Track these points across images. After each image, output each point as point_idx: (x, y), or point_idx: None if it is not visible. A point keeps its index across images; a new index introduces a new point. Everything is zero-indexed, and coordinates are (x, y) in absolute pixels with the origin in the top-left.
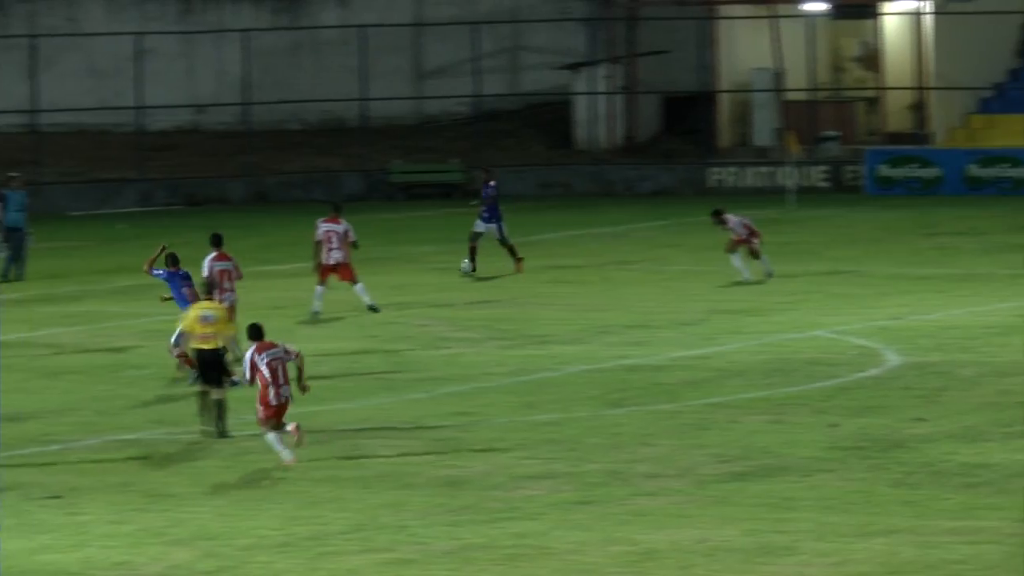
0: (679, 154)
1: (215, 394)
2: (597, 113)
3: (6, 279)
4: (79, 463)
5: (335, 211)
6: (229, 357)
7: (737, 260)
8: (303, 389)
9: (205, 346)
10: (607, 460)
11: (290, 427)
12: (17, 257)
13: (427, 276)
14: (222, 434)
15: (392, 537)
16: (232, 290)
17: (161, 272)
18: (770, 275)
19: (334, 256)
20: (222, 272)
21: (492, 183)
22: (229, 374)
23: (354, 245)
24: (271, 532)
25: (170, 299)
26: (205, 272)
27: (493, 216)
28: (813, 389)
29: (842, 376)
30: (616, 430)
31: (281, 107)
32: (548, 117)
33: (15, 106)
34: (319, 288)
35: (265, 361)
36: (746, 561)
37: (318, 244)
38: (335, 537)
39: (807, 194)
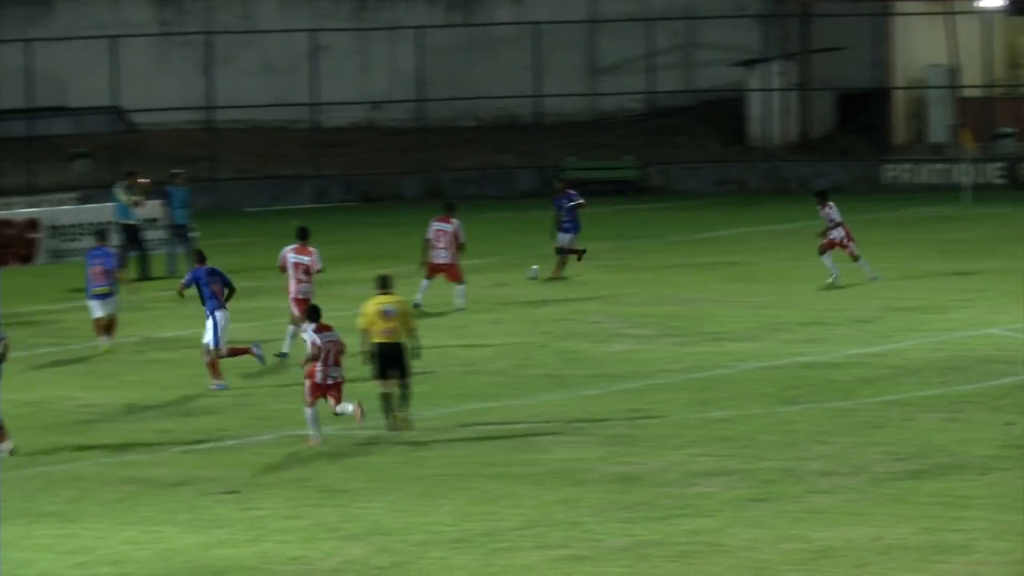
0: (854, 151)
1: (396, 388)
2: (771, 110)
3: (174, 275)
4: (254, 458)
5: (447, 210)
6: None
7: (828, 259)
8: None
9: (387, 340)
10: (781, 457)
11: (352, 407)
12: (180, 253)
13: (600, 272)
14: (406, 427)
15: (566, 533)
16: (308, 282)
17: (187, 278)
18: (874, 279)
19: (440, 256)
20: (297, 264)
21: (573, 192)
22: (407, 370)
23: (461, 247)
24: (445, 528)
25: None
26: (280, 261)
27: (573, 226)
28: (989, 387)
29: (1018, 374)
30: (791, 427)
31: (455, 104)
32: (722, 114)
33: (191, 102)
34: (424, 282)
35: (323, 344)
36: (921, 560)
37: (427, 242)
38: (509, 533)
39: (982, 191)
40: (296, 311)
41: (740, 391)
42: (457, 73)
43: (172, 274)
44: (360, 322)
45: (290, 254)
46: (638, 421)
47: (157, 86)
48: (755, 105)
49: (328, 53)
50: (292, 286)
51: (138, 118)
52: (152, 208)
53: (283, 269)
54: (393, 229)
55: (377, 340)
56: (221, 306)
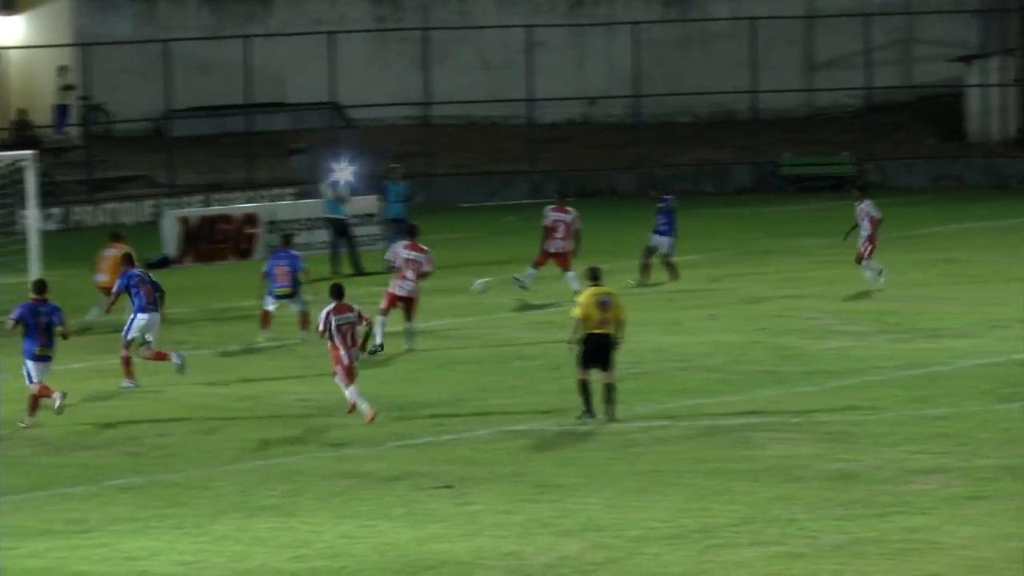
0: None
1: (605, 379)
2: (990, 105)
3: (390, 270)
4: (469, 453)
5: (562, 199)
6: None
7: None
8: (362, 350)
9: (600, 331)
10: (999, 455)
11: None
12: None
13: (815, 269)
14: (611, 419)
15: (781, 530)
16: (414, 280)
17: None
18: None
19: (557, 245)
20: (407, 261)
21: (668, 197)
22: (611, 363)
23: (576, 236)
24: (659, 524)
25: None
26: (390, 256)
27: (670, 229)
28: None
29: None
30: (1008, 425)
31: (671, 99)
32: (940, 110)
33: (408, 98)
34: (531, 270)
35: (335, 324)
36: None
37: (546, 230)
38: (724, 530)
39: None
40: (385, 303)
41: (957, 388)
42: (673, 69)
43: (388, 269)
44: (576, 311)
45: (403, 250)
46: (854, 418)
47: (374, 82)
48: (974, 101)
49: (544, 49)
50: (397, 281)
51: (355, 114)
52: (368, 203)
53: (393, 265)
54: (609, 225)
55: (591, 330)
56: (149, 307)
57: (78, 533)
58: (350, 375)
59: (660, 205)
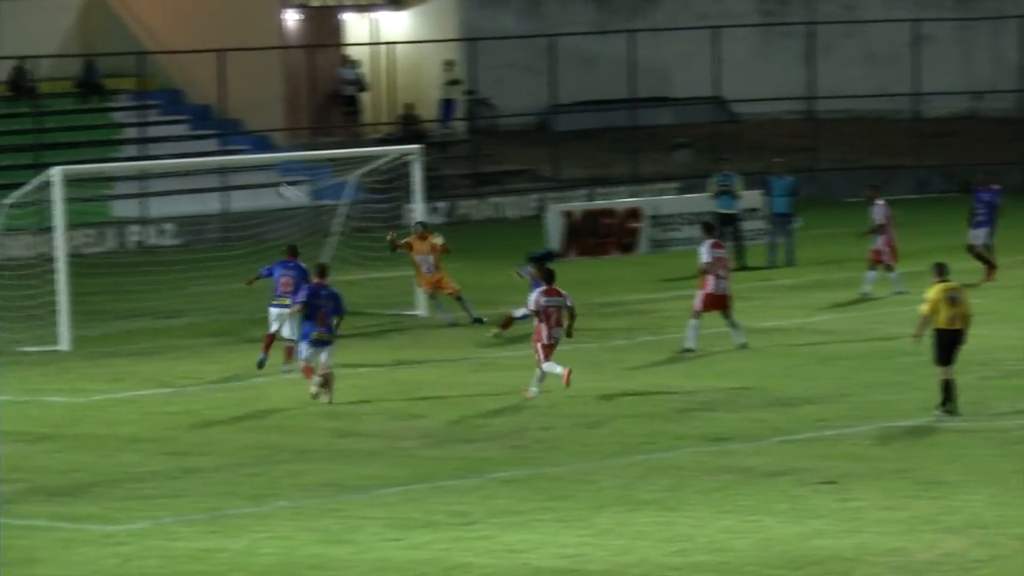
0: None
1: (951, 374)
2: None
3: (773, 265)
4: (853, 449)
5: (873, 190)
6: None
7: (894, 275)
8: (569, 334)
9: (950, 327)
10: None
11: (560, 369)
12: (780, 243)
13: None
14: (951, 414)
15: None
16: (726, 278)
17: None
18: (866, 293)
19: (880, 241)
20: (717, 259)
21: (995, 187)
22: (954, 358)
23: (874, 230)
24: None
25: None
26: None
27: (987, 220)
28: None
29: None
30: None
31: None
32: None
33: (792, 93)
34: (871, 273)
35: (544, 306)
36: None
37: (880, 228)
38: None
39: None
40: (701, 305)
41: None
42: None
43: (771, 264)
44: (924, 308)
45: (710, 249)
46: None
47: (758, 76)
48: None
49: (930, 43)
50: (711, 281)
51: (739, 108)
52: (752, 198)
53: (704, 270)
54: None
55: (941, 326)
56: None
57: (461, 525)
58: (548, 352)
59: (984, 196)
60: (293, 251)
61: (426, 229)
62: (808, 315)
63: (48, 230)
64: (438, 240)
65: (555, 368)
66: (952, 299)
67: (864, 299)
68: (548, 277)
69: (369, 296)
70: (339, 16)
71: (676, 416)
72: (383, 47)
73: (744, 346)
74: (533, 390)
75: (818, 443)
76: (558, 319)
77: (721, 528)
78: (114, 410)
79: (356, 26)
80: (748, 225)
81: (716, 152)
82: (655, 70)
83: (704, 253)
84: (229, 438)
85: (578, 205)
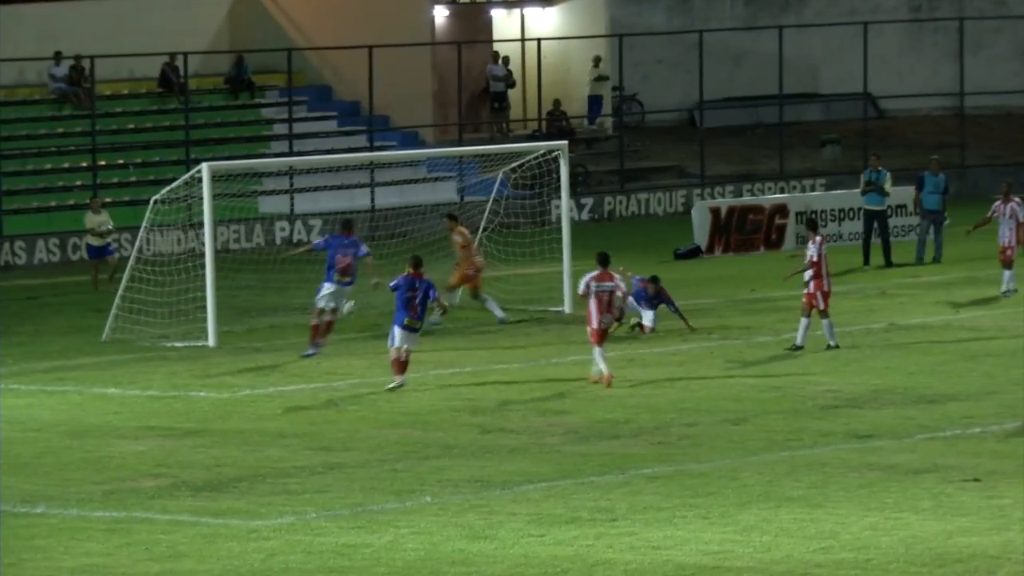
0: None
1: None
2: None
3: (920, 262)
4: (999, 446)
5: (1009, 188)
6: None
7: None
8: (617, 321)
9: None
10: None
11: (604, 367)
12: (929, 240)
13: None
14: None
15: None
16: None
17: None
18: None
19: (1004, 237)
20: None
21: None
22: None
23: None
24: None
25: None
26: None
27: None
28: None
29: None
30: None
31: None
32: None
33: (942, 88)
34: (1007, 272)
35: (595, 291)
36: None
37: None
38: None
39: None
40: (819, 304)
41: None
42: None
43: (919, 261)
44: None
45: (819, 247)
46: None
47: (907, 72)
48: None
49: None
50: (826, 280)
51: (887, 104)
52: (901, 195)
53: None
54: None
55: None
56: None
57: (605, 522)
58: (598, 338)
59: None
60: (348, 226)
61: (454, 220)
62: (956, 311)
63: (196, 226)
64: (465, 232)
65: (600, 362)
66: None
67: (1007, 296)
68: (603, 261)
69: (515, 292)
70: (488, 12)
71: (821, 413)
72: (531, 43)
73: (836, 347)
74: (602, 367)
75: (963, 440)
76: (609, 305)
77: (865, 525)
78: (260, 405)
79: (505, 22)
80: (898, 222)
81: (863, 149)
82: (803, 66)
83: (812, 251)
84: (374, 434)
85: (725, 201)
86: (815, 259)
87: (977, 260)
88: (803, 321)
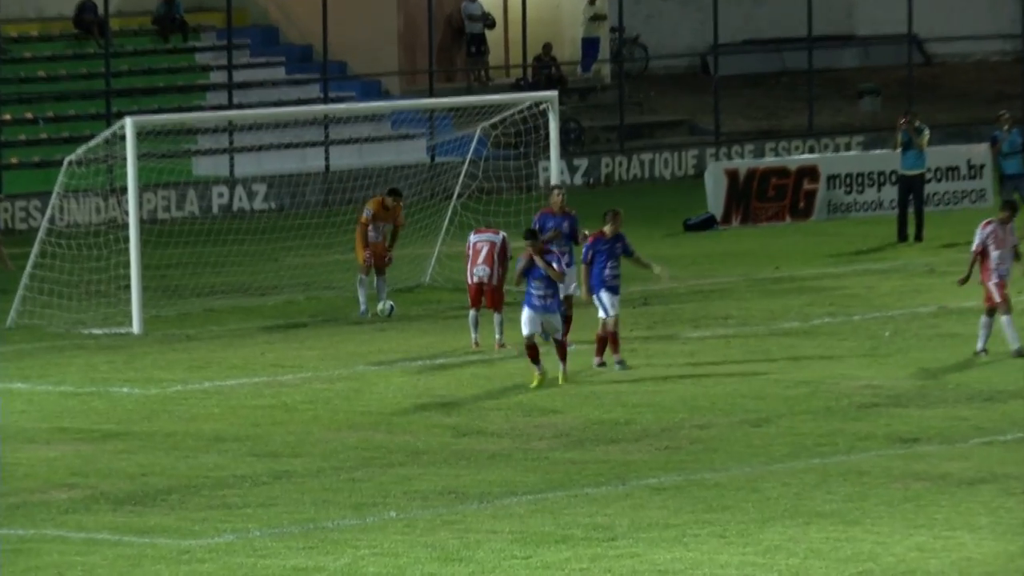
0: None
1: None
2: None
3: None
4: None
5: None
6: None
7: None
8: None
9: None
10: None
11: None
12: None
13: None
14: None
15: None
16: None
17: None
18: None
19: None
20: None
21: None
22: None
23: None
24: None
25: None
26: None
27: None
28: None
29: None
30: None
31: None
32: None
33: (1001, 30)
34: None
35: (472, 243)
36: None
37: None
38: None
39: None
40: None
41: None
42: None
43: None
44: None
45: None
46: None
47: (959, 11)
48: None
49: None
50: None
51: (936, 48)
52: (950, 155)
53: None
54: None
55: None
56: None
57: (602, 541)
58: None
59: None
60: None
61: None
62: (1016, 293)
63: (119, 191)
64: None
65: (472, 330)
66: None
67: None
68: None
69: None
70: None
71: (858, 413)
72: None
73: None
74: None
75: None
76: (489, 257)
77: (911, 546)
78: (194, 403)
79: None
80: (944, 187)
81: (907, 101)
82: (837, 4)
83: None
84: (328, 437)
85: (743, 163)
86: (978, 248)
87: None
88: (983, 319)
